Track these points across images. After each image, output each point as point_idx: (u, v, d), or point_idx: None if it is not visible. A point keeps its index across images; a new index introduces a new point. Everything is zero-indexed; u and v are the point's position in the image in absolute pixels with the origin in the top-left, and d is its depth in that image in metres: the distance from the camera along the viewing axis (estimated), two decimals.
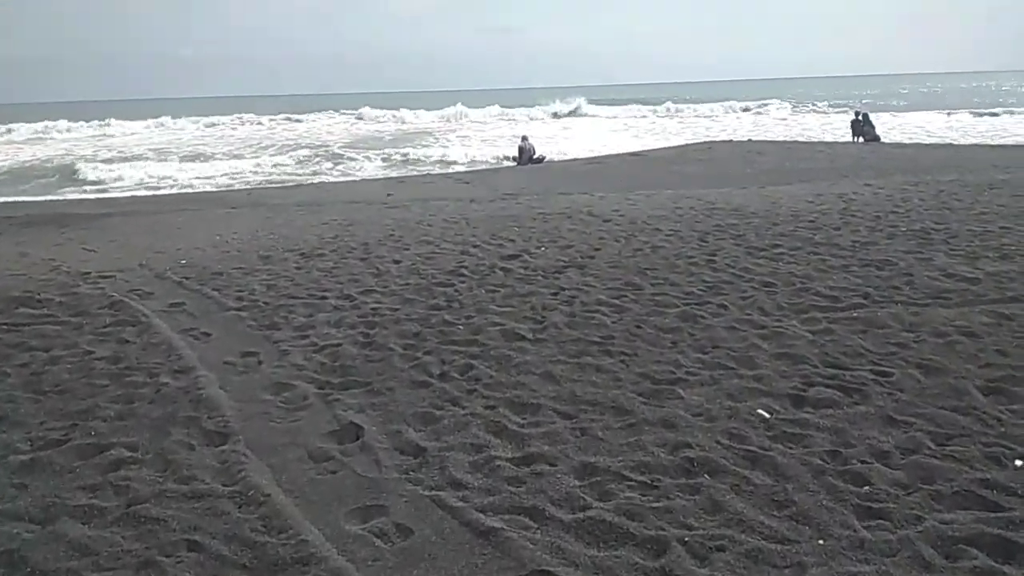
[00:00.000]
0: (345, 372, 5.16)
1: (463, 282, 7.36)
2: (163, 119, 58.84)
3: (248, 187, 24.16)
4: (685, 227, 9.67)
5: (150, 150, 39.68)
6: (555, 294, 6.85)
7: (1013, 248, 7.71)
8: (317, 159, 33.40)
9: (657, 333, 5.68)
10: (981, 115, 51.11)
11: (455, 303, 6.67)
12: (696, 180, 18.70)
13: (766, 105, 57.97)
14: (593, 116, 58.97)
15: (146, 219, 12.77)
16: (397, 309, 6.50)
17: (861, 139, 32.02)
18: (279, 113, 64.93)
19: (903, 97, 73.03)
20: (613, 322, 5.99)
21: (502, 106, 63.19)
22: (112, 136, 51.44)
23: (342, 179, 27.59)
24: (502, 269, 7.82)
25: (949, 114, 50.76)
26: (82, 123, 57.39)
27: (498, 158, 31.68)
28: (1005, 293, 6.29)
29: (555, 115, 57.40)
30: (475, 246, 9.03)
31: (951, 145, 30.32)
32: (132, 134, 52.95)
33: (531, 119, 58.09)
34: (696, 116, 56.94)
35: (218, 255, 9.04)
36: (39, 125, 55.30)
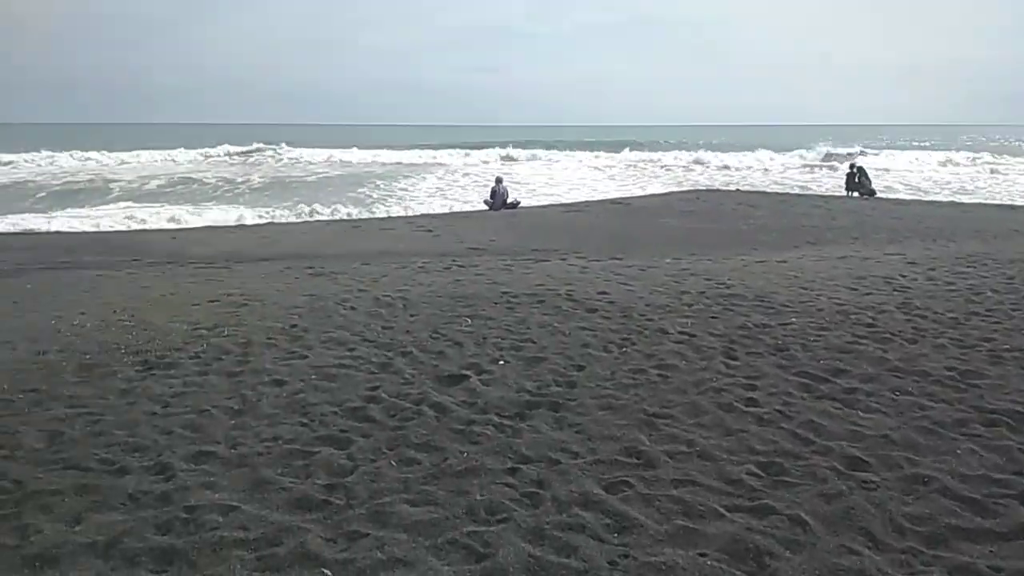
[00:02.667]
0: None
1: (366, 437, 4.61)
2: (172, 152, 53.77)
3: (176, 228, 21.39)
4: (699, 327, 7.03)
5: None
6: (512, 472, 4.13)
7: None
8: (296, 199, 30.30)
9: None
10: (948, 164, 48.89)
11: (338, 494, 3.91)
12: (690, 239, 16.24)
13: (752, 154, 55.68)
14: (571, 157, 56.85)
15: None
16: (231, 509, 3.72)
17: (856, 193, 30.03)
18: (252, 143, 60.29)
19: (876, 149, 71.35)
20: (613, 562, 3.29)
21: (500, 147, 59.11)
22: None
23: (297, 220, 24.79)
24: (434, 406, 5.08)
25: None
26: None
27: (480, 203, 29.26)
28: None
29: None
30: (405, 352, 6.30)
31: (955, 203, 28.39)
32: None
33: (505, 159, 55.67)
34: (674, 162, 54.78)
35: None
36: None
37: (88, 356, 6.11)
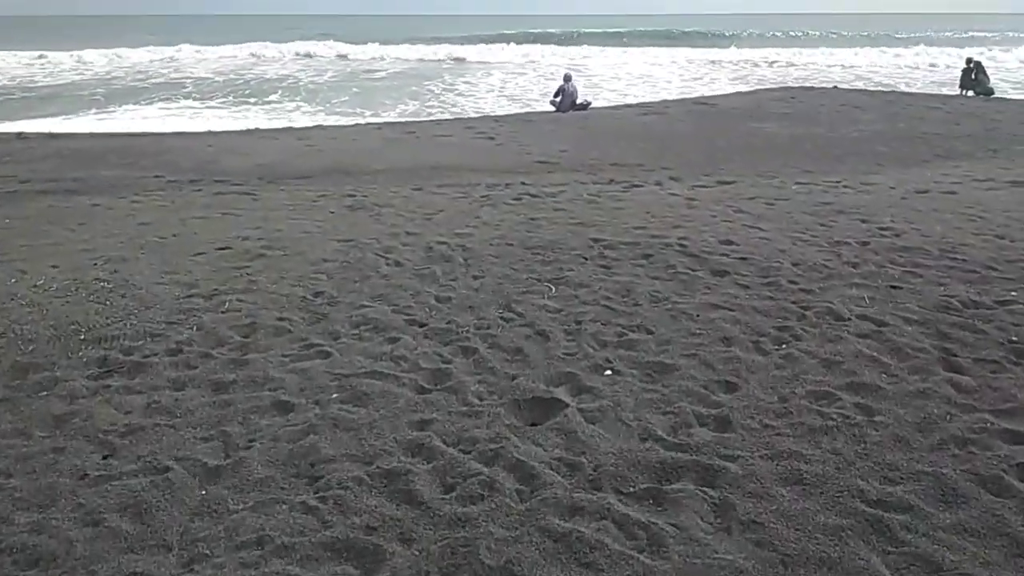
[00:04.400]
0: None
1: (406, 543, 2.77)
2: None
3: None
4: (885, 307, 4.92)
5: None
6: None
7: None
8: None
9: None
10: None
11: None
12: (796, 149, 13.79)
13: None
14: (636, 48, 52.41)
15: None
16: None
17: (971, 92, 26.32)
18: (323, 37, 57.05)
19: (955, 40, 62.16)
20: None
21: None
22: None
23: (342, 122, 22.73)
24: (514, 468, 3.20)
25: None
26: None
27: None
28: None
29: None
30: (467, 347, 4.41)
31: None
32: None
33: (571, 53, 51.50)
34: (754, 56, 49.80)
35: None
36: None
37: (31, 348, 4.40)
